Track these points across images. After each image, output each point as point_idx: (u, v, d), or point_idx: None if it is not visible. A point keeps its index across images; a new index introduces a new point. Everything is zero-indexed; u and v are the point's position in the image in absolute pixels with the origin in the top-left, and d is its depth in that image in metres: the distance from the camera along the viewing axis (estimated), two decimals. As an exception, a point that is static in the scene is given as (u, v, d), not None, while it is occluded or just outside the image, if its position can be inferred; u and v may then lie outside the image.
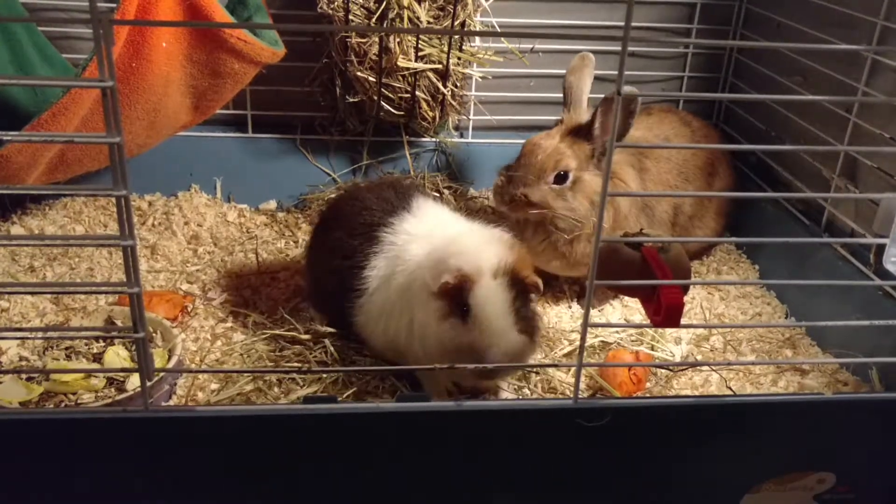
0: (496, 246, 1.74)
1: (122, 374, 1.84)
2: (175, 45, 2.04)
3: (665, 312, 1.40)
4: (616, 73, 1.21)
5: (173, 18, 1.96)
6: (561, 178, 2.15)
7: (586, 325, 1.39)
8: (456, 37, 2.48)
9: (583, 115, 2.27)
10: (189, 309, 2.21)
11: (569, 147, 2.18)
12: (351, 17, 2.40)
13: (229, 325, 2.16)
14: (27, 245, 2.40)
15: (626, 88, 2.08)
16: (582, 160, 2.17)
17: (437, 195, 2.71)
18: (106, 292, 1.95)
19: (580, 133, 2.20)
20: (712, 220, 2.60)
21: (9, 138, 1.34)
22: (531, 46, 2.78)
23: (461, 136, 2.92)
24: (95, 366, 1.88)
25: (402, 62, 2.46)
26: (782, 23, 2.64)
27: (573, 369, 1.98)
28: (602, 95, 2.14)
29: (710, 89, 3.03)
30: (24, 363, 1.91)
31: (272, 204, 2.82)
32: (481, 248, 1.72)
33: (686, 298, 1.51)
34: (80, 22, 1.72)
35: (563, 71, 2.32)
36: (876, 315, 2.00)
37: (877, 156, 2.19)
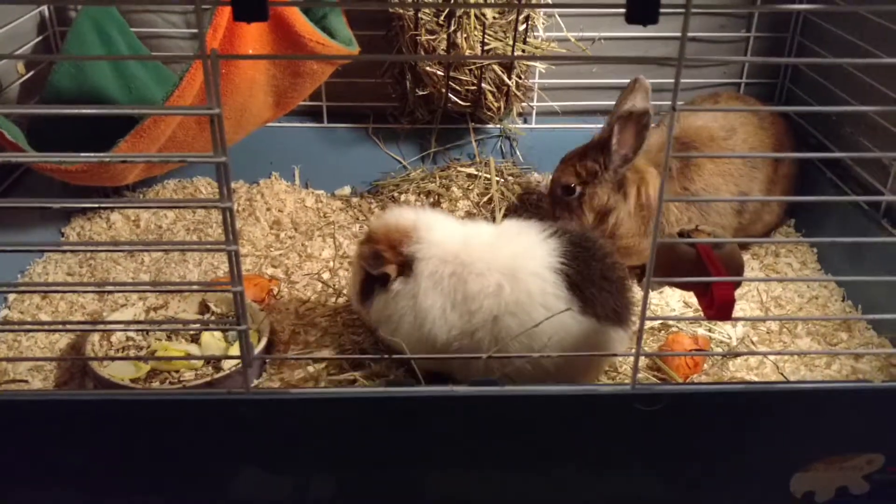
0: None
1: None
2: (260, 50, 2.19)
3: (717, 307, 1.51)
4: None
5: (258, 29, 2.11)
6: (567, 191, 2.37)
7: (643, 318, 1.51)
8: (520, 30, 2.58)
9: None
10: (275, 292, 2.39)
11: (574, 164, 2.37)
12: (421, 14, 2.52)
13: (312, 306, 2.33)
14: (137, 250, 2.57)
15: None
16: (586, 176, 2.35)
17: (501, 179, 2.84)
18: (213, 290, 2.13)
19: (597, 148, 2.35)
20: (777, 203, 2.65)
21: (130, 160, 1.51)
22: (595, 36, 2.85)
23: (524, 121, 3.02)
24: (195, 347, 2.08)
25: (468, 56, 2.57)
26: None
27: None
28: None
29: (772, 73, 3.05)
30: (130, 342, 2.13)
31: (346, 190, 2.98)
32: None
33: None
34: (190, 58, 1.86)
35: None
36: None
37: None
